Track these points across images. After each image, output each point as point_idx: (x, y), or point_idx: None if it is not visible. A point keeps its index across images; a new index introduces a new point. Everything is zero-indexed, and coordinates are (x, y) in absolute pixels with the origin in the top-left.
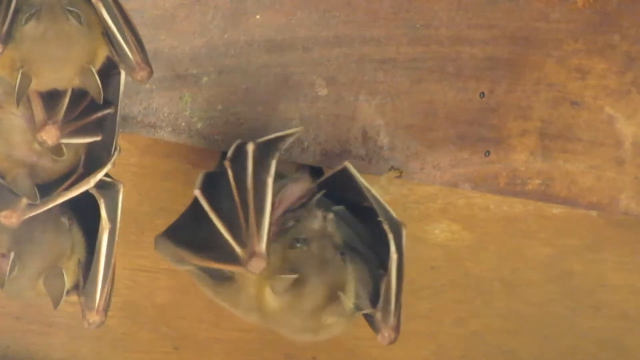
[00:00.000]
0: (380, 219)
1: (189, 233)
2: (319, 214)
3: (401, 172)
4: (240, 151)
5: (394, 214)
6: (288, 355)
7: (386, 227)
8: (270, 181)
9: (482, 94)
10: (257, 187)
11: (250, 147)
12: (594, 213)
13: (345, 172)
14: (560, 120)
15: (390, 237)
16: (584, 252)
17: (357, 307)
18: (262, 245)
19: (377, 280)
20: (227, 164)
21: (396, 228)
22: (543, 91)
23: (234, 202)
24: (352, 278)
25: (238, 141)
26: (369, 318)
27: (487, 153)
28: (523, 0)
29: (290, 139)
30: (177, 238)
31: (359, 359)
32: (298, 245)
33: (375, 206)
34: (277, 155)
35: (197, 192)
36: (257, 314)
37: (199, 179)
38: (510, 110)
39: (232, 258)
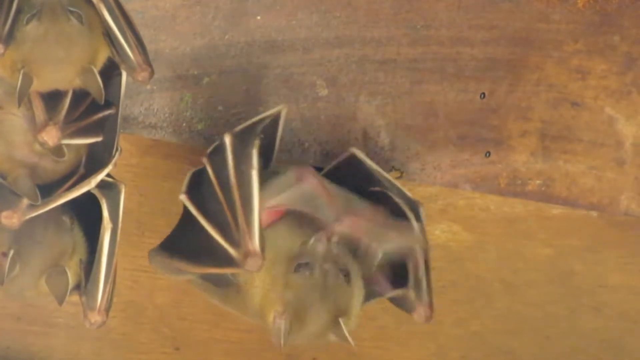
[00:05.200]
0: (397, 200)
1: (184, 242)
2: (323, 236)
3: (402, 173)
4: (219, 145)
5: (409, 194)
6: (289, 355)
7: (404, 207)
8: (254, 173)
9: (483, 95)
10: (240, 181)
11: (227, 139)
12: (594, 214)
13: (351, 159)
14: (561, 121)
15: (411, 215)
16: (584, 253)
17: (377, 294)
18: (255, 242)
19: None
20: (205, 160)
21: (414, 207)
22: (543, 92)
23: (218, 201)
24: (357, 296)
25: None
26: (395, 300)
27: (488, 154)
28: (523, 1)
29: (268, 120)
30: (171, 249)
31: (360, 359)
32: (300, 269)
33: (390, 188)
34: (256, 142)
35: (182, 197)
36: (262, 321)
37: (185, 181)
38: (511, 111)
39: (228, 260)
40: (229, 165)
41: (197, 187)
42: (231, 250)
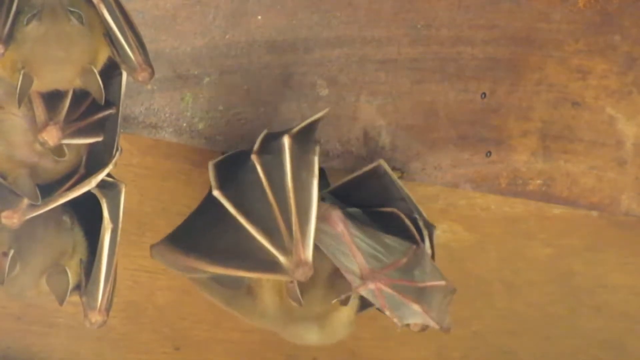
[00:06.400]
0: (416, 215)
1: (203, 239)
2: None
3: (402, 173)
4: (272, 144)
5: (425, 215)
6: (289, 355)
7: (421, 223)
8: (315, 182)
9: (483, 95)
10: (298, 188)
11: (286, 141)
12: (594, 213)
13: (373, 171)
14: (561, 121)
15: (426, 233)
16: (584, 253)
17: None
18: (309, 253)
19: None
20: (255, 157)
21: (430, 228)
22: (544, 92)
23: (268, 203)
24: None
25: (265, 132)
26: None
27: (488, 153)
28: (524, 0)
29: (320, 123)
30: (186, 246)
31: (360, 359)
32: None
33: (410, 204)
34: (317, 149)
35: (216, 194)
36: (268, 319)
37: (212, 176)
38: (511, 111)
39: (271, 266)
40: (286, 169)
41: (231, 183)
42: (280, 257)
